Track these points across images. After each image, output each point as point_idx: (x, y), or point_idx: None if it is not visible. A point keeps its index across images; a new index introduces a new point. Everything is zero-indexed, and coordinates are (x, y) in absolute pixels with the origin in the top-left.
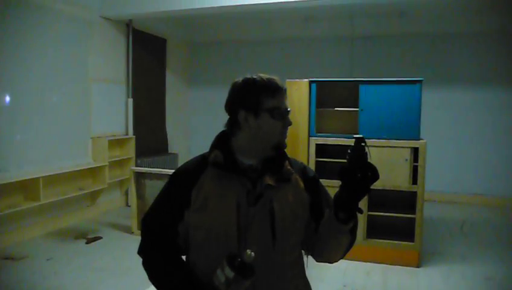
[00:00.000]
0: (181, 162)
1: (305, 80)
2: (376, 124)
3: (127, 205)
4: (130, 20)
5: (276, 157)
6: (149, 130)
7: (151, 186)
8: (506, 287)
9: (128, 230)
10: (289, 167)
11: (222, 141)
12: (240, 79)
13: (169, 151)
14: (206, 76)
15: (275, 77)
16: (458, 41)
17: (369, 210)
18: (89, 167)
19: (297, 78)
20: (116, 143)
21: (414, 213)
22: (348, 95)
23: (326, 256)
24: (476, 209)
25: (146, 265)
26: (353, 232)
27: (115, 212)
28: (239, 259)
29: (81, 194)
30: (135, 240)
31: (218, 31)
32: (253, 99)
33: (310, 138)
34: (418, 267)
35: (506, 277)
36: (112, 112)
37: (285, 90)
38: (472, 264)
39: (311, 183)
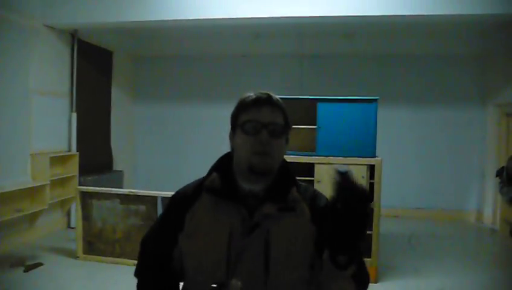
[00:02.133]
0: (126, 180)
1: None
2: (333, 141)
3: (69, 227)
4: (75, 30)
5: (282, 183)
6: (93, 147)
7: (99, 206)
8: None
9: (72, 255)
10: (296, 194)
11: (224, 163)
12: None
13: (115, 169)
14: (153, 91)
15: (265, 92)
16: (402, 62)
17: None
18: (28, 186)
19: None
20: (58, 160)
21: (371, 229)
22: (304, 113)
23: None
24: (419, 223)
25: (139, 288)
26: (357, 278)
27: (56, 236)
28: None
29: (19, 217)
30: (81, 266)
31: (167, 45)
32: (233, 116)
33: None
34: (376, 282)
35: (456, 287)
36: (54, 127)
37: (274, 104)
38: (425, 276)
39: (321, 213)
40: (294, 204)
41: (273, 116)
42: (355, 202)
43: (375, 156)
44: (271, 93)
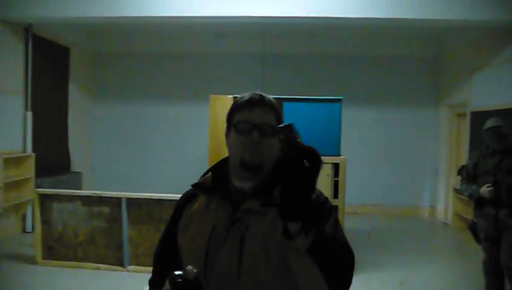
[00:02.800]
0: (85, 181)
1: (230, 95)
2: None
3: (24, 231)
4: (30, 25)
5: (270, 180)
6: (50, 147)
7: (60, 209)
8: (418, 289)
9: (31, 260)
10: None
11: (220, 164)
12: None
13: (72, 170)
14: (112, 90)
15: (259, 93)
16: (362, 64)
17: None
18: None
19: (208, 94)
20: (12, 162)
21: None
22: None
23: None
24: (378, 219)
25: None
26: (319, 255)
27: (11, 241)
28: (179, 276)
29: None
30: (41, 272)
31: (127, 42)
32: (228, 116)
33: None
34: None
35: (417, 280)
36: (7, 127)
37: (266, 105)
38: (386, 270)
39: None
40: (278, 200)
41: (265, 117)
42: (300, 157)
43: (339, 155)
44: (264, 94)
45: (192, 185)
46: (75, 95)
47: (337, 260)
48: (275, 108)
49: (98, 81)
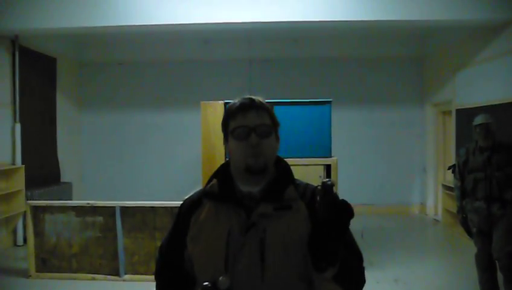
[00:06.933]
0: (75, 192)
1: (220, 101)
2: (290, 143)
3: (15, 244)
4: (16, 36)
5: (278, 183)
6: (39, 158)
7: (53, 221)
8: (411, 286)
9: (24, 274)
10: (293, 193)
11: (223, 169)
12: None
13: (62, 181)
14: (100, 99)
15: (248, 97)
16: (347, 65)
17: None
18: None
19: (198, 100)
20: (1, 174)
21: None
22: None
23: None
24: (369, 218)
25: (158, 289)
26: (340, 278)
27: (2, 255)
28: (213, 288)
29: None
30: (35, 285)
31: (113, 51)
32: (223, 124)
33: (226, 159)
34: None
35: (411, 277)
36: None
37: (258, 107)
38: (380, 268)
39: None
40: (290, 203)
41: (259, 119)
42: (338, 215)
43: (331, 156)
44: (254, 97)
45: (202, 195)
46: (62, 105)
47: (356, 279)
48: (266, 108)
49: (85, 91)
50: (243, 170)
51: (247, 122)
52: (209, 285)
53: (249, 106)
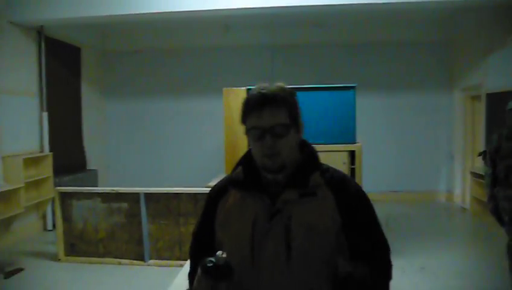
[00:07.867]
0: (101, 178)
1: (243, 88)
2: (314, 129)
3: (46, 229)
4: (42, 27)
5: (304, 169)
6: (66, 146)
7: (80, 206)
8: (438, 274)
9: (53, 257)
10: (318, 179)
11: (247, 156)
12: None
13: (88, 168)
14: (123, 87)
15: (266, 88)
16: (373, 50)
17: None
18: (2, 190)
19: (220, 87)
20: (31, 162)
21: None
22: None
23: None
24: (395, 205)
25: (192, 267)
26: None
27: (33, 239)
28: (210, 262)
29: None
30: (64, 268)
31: (136, 39)
32: (242, 118)
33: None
34: None
35: (437, 265)
36: (25, 128)
37: (273, 103)
38: (405, 257)
39: (348, 200)
40: (316, 189)
41: (275, 119)
42: None
43: (355, 142)
44: (271, 89)
45: (228, 183)
46: (87, 93)
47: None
48: (284, 102)
49: (108, 79)
50: (261, 168)
51: (262, 123)
52: (207, 260)
53: (265, 102)
